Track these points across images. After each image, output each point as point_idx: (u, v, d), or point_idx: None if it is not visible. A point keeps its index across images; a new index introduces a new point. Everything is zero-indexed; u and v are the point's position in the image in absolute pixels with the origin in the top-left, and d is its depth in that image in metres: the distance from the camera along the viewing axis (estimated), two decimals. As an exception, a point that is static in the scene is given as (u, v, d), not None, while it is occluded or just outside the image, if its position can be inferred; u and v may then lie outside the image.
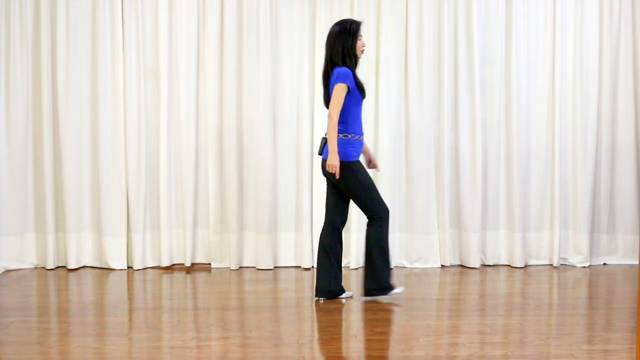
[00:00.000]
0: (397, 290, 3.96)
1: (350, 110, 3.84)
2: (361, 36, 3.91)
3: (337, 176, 3.79)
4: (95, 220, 4.97)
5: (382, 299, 3.96)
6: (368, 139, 4.86)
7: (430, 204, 4.98)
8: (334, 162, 3.76)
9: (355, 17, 4.84)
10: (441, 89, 4.97)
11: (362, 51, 3.93)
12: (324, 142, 3.91)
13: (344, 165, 3.81)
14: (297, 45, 4.94)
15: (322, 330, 3.44)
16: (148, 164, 4.96)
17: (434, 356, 2.96)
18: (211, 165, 4.95)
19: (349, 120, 3.84)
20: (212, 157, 4.94)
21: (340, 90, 3.77)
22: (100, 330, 3.38)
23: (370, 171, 4.14)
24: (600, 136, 5.06)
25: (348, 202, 4.02)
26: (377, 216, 3.88)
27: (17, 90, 4.86)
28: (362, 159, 4.12)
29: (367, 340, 3.24)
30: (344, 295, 4.03)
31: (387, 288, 3.93)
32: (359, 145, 3.90)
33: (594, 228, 5.07)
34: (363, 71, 4.84)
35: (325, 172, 3.92)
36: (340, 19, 4.09)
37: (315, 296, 4.00)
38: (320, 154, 3.94)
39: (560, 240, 5.00)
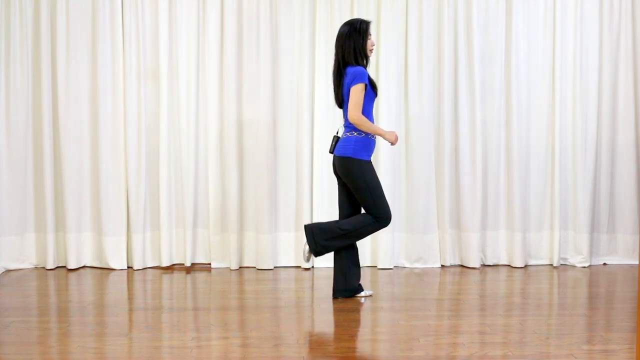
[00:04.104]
0: (365, 293, 4.01)
1: (364, 108, 3.85)
2: (370, 35, 3.93)
3: (395, 142, 3.95)
4: (95, 220, 4.97)
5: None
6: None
7: (430, 204, 4.98)
8: (392, 137, 3.89)
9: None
10: (441, 89, 4.96)
11: (372, 50, 3.94)
12: (336, 140, 3.95)
13: (355, 162, 3.83)
14: (297, 45, 4.94)
15: (322, 330, 3.44)
16: (148, 164, 4.96)
17: (434, 356, 2.96)
18: (211, 165, 4.95)
19: None
20: (212, 157, 4.94)
21: (359, 91, 3.78)
22: (100, 330, 3.38)
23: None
24: (600, 136, 5.06)
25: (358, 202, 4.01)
26: (377, 218, 3.89)
27: (17, 90, 4.86)
28: None
29: (367, 340, 3.24)
30: (362, 294, 4.03)
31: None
32: (372, 143, 3.91)
33: (594, 228, 5.06)
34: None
35: (336, 170, 3.95)
36: (350, 19, 4.08)
37: (333, 296, 4.02)
38: (331, 152, 3.97)
39: (560, 240, 4.99)
